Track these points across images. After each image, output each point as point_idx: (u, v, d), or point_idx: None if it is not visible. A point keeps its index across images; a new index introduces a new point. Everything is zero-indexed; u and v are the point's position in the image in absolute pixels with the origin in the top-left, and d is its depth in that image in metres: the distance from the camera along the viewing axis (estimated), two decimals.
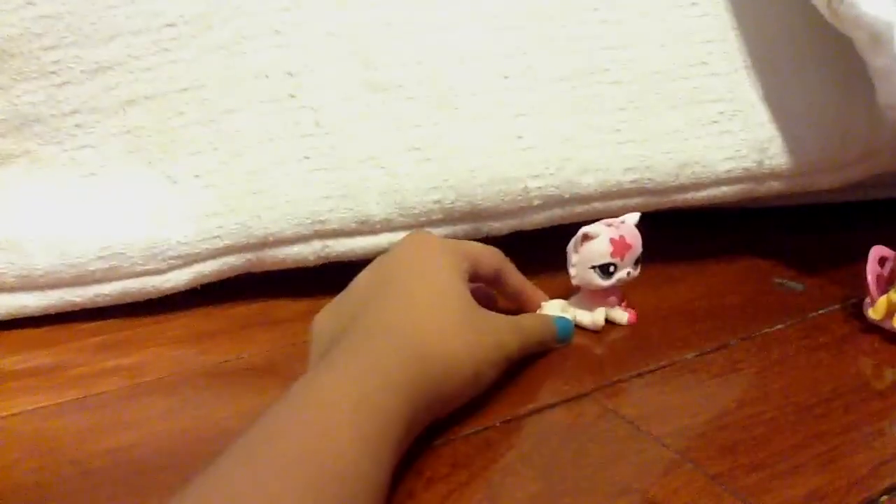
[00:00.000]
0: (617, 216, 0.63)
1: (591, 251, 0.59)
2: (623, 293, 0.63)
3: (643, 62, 0.68)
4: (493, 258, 0.58)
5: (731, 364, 0.57)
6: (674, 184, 0.68)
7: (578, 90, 0.67)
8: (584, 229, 0.60)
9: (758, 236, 0.81)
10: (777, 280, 0.70)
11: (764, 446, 0.48)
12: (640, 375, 0.56)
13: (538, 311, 0.62)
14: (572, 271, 0.60)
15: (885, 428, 0.50)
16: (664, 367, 0.56)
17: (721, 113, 0.68)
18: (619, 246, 0.59)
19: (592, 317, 0.61)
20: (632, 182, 0.67)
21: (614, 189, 0.67)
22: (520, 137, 0.65)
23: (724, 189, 0.70)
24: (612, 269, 0.60)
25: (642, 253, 0.62)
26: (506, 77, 0.66)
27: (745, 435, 0.49)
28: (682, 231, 0.79)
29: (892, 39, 0.59)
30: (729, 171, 0.68)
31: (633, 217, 0.62)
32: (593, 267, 0.60)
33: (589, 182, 0.66)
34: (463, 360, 0.48)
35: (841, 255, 0.74)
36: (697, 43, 0.69)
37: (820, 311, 0.65)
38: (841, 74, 0.69)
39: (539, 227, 0.68)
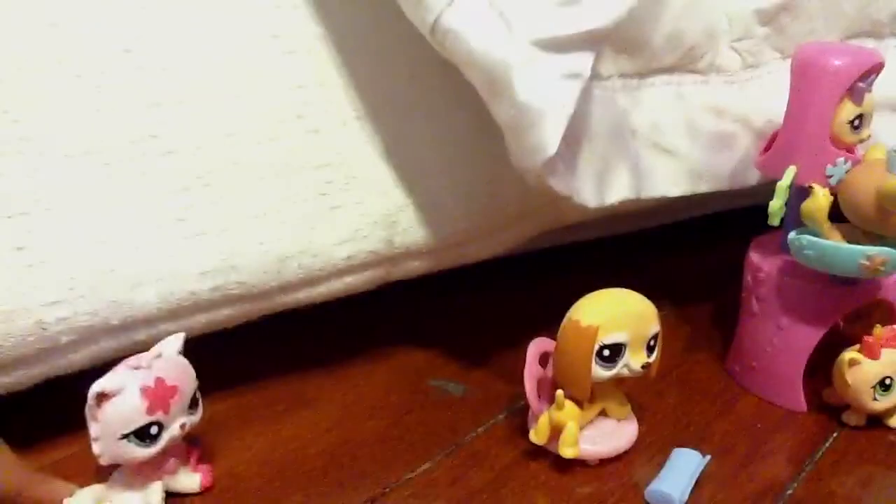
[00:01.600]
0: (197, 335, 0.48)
1: (115, 415, 0.42)
2: (189, 445, 0.48)
3: (208, 121, 0.51)
4: None
5: None
6: (274, 284, 0.52)
7: (114, 169, 0.49)
8: (97, 385, 0.42)
9: (410, 324, 0.66)
10: (433, 382, 0.57)
11: None
12: None
13: None
14: (96, 448, 0.43)
15: None
16: None
17: (329, 182, 0.53)
18: (157, 395, 0.43)
19: (144, 498, 0.45)
20: (212, 290, 0.50)
21: (187, 302, 0.50)
22: (20, 249, 0.47)
23: (349, 280, 0.55)
24: (154, 430, 0.43)
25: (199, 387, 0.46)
26: None
27: None
28: (313, 326, 0.62)
29: (512, 84, 0.46)
30: (349, 257, 0.54)
31: (174, 343, 0.46)
32: (125, 436, 0.43)
33: (148, 298, 0.49)
34: None
35: (507, 333, 0.60)
36: (287, 90, 0.53)
37: (479, 430, 0.52)
38: (484, 120, 0.53)
39: (84, 368, 0.50)
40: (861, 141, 0.52)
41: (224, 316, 0.52)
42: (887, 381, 0.50)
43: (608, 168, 0.54)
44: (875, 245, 0.49)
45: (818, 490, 0.48)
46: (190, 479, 0.47)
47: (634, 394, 0.52)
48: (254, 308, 0.53)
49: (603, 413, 0.50)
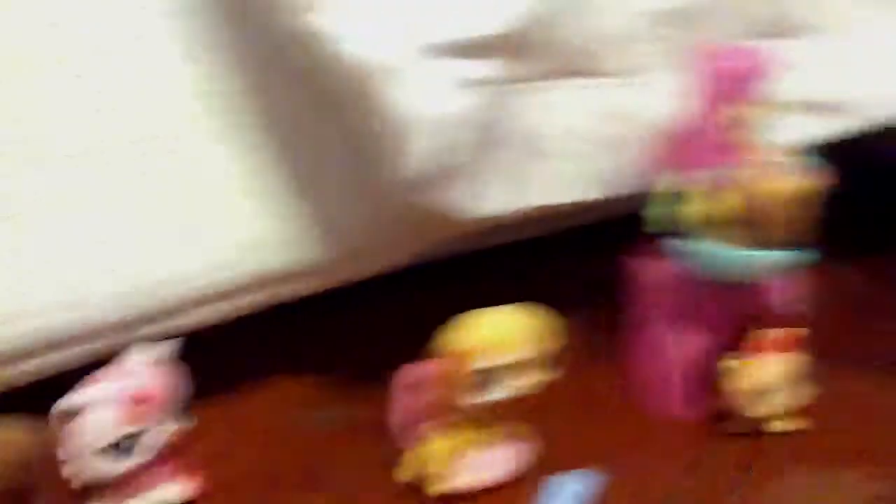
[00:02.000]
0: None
1: (86, 431, 0.42)
2: (169, 455, 0.45)
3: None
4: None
5: None
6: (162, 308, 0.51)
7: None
8: (63, 403, 0.42)
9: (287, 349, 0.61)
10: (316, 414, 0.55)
11: None
12: None
13: None
14: (68, 470, 0.42)
15: None
16: None
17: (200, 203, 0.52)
18: (132, 405, 0.42)
19: None
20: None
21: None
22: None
23: (248, 299, 0.54)
24: (129, 442, 0.42)
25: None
26: None
27: None
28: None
29: (388, 92, 0.46)
30: (214, 282, 0.52)
31: (151, 350, 0.45)
32: (98, 452, 0.42)
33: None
34: None
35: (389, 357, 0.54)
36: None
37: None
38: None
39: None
40: (748, 142, 0.54)
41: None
42: (768, 388, 0.53)
43: (492, 177, 0.54)
44: (761, 249, 0.52)
45: (718, 501, 0.50)
46: (172, 490, 0.45)
47: (524, 414, 0.50)
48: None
49: (483, 440, 0.49)
